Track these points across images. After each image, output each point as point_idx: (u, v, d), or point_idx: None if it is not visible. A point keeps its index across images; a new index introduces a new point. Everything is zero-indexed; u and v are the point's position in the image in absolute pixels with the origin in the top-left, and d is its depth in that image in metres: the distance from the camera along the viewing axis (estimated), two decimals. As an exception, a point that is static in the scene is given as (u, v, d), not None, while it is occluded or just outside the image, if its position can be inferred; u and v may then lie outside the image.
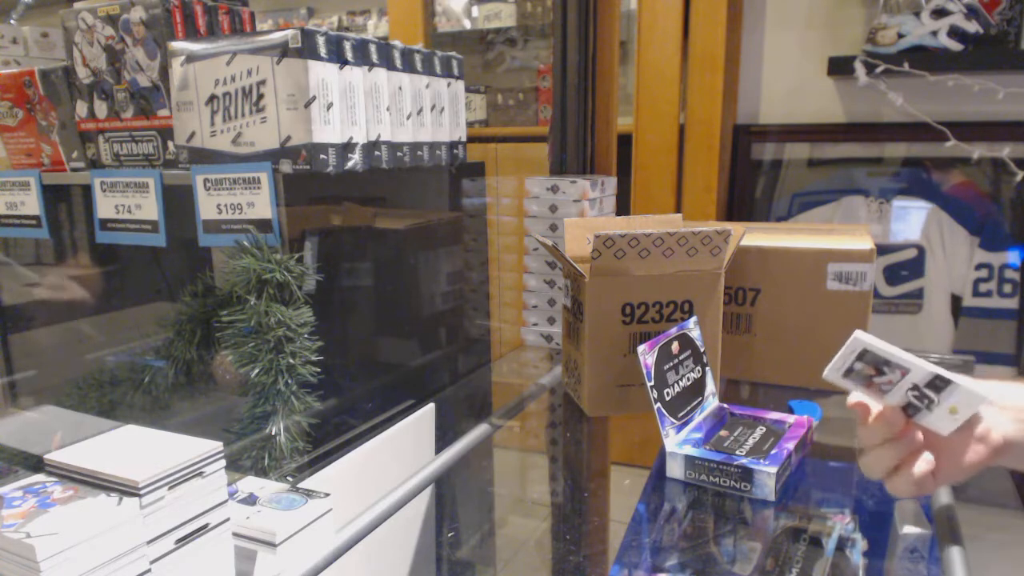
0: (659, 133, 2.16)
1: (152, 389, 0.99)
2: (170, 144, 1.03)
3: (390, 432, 1.01)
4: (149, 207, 0.99)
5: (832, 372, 0.70)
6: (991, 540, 0.81)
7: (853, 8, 2.03)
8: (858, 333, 0.68)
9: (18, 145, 1.20)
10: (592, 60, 1.50)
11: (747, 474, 0.80)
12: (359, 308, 1.06)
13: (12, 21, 1.99)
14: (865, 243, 1.04)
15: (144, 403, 1.00)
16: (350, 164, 0.97)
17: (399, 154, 1.08)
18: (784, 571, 0.69)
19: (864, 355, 0.68)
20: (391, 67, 1.05)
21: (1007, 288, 1.93)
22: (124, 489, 0.57)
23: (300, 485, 0.77)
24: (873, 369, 0.68)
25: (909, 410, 0.69)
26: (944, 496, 0.79)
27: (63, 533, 0.52)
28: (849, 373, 0.69)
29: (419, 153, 1.13)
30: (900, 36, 1.86)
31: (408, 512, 0.90)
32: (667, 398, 0.87)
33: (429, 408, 1.11)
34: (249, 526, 0.68)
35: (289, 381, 0.85)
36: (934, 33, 1.84)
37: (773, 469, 0.79)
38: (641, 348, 0.85)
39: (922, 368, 0.66)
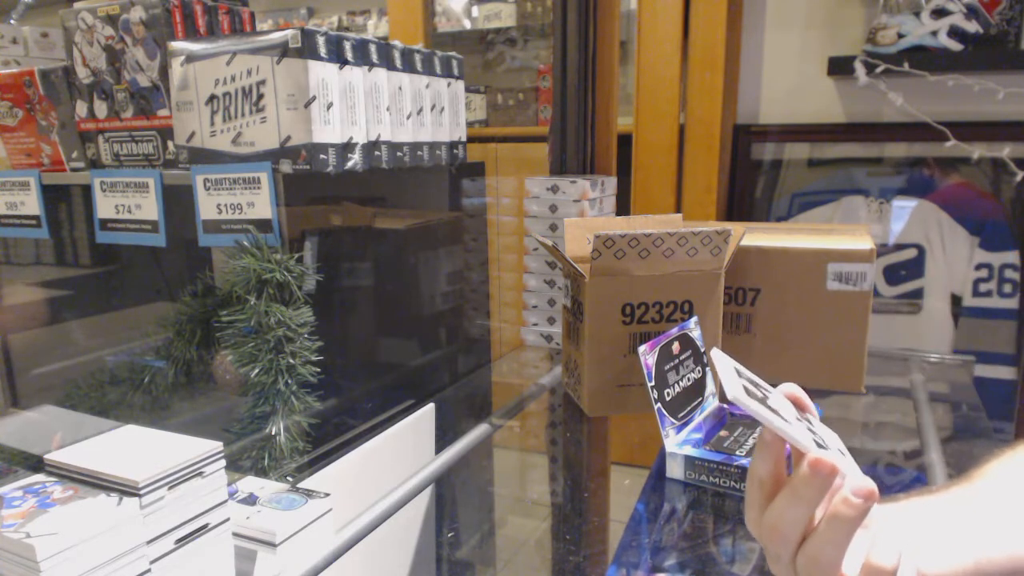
0: (659, 133, 2.16)
1: (152, 389, 0.99)
2: (170, 144, 1.03)
3: (390, 432, 1.01)
4: (149, 207, 0.99)
5: (737, 392, 0.47)
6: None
7: (853, 8, 2.03)
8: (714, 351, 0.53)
9: (18, 145, 1.20)
10: (592, 60, 1.50)
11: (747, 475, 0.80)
12: (359, 308, 1.06)
13: (12, 21, 1.99)
14: (865, 243, 1.04)
15: (144, 403, 1.00)
16: (350, 164, 0.97)
17: (399, 154, 1.08)
18: (784, 571, 0.69)
19: (740, 372, 0.51)
20: (391, 67, 1.05)
21: (1007, 288, 1.93)
22: (124, 489, 0.57)
23: (300, 485, 0.77)
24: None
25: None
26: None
27: (63, 533, 0.52)
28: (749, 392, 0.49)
29: (419, 153, 1.13)
30: (900, 36, 1.87)
31: (408, 512, 0.90)
32: (667, 398, 0.87)
33: (429, 408, 1.11)
34: (249, 526, 0.68)
35: (289, 381, 0.85)
36: (934, 33, 1.84)
37: (773, 469, 0.79)
38: (642, 348, 0.85)
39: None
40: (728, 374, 0.49)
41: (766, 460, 0.49)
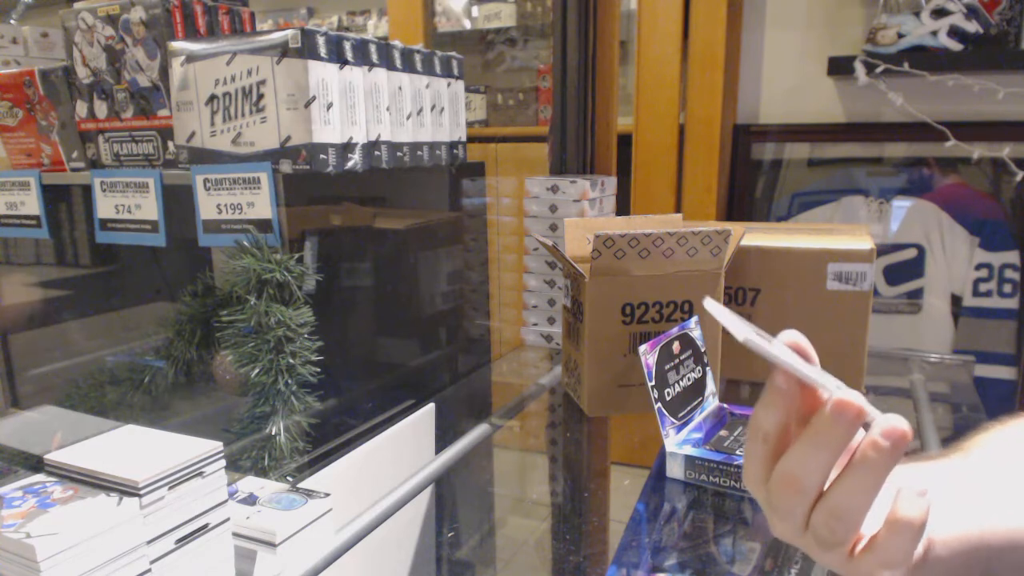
0: (659, 133, 2.16)
1: (152, 389, 0.99)
2: (170, 144, 1.03)
3: (390, 432, 1.01)
4: (149, 207, 0.99)
5: (748, 334, 0.42)
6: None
7: (853, 8, 2.03)
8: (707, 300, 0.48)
9: (18, 145, 1.20)
10: (592, 60, 1.50)
11: (747, 474, 0.80)
12: (359, 308, 1.06)
13: (12, 21, 1.99)
14: (865, 243, 1.04)
15: (144, 403, 1.00)
16: (350, 164, 0.97)
17: (399, 154, 1.08)
18: (783, 571, 0.69)
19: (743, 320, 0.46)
20: (391, 67, 1.05)
21: (1007, 288, 1.93)
22: (124, 489, 0.57)
23: (300, 485, 0.77)
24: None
25: None
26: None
27: (63, 533, 0.52)
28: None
29: (419, 153, 1.13)
30: (900, 36, 1.87)
31: (408, 512, 0.90)
32: (667, 398, 0.87)
33: (429, 408, 1.11)
34: (249, 526, 0.68)
35: (289, 381, 0.85)
36: (934, 33, 1.84)
37: (773, 469, 0.79)
38: (643, 348, 0.85)
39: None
40: (731, 320, 0.43)
41: (776, 409, 0.43)
